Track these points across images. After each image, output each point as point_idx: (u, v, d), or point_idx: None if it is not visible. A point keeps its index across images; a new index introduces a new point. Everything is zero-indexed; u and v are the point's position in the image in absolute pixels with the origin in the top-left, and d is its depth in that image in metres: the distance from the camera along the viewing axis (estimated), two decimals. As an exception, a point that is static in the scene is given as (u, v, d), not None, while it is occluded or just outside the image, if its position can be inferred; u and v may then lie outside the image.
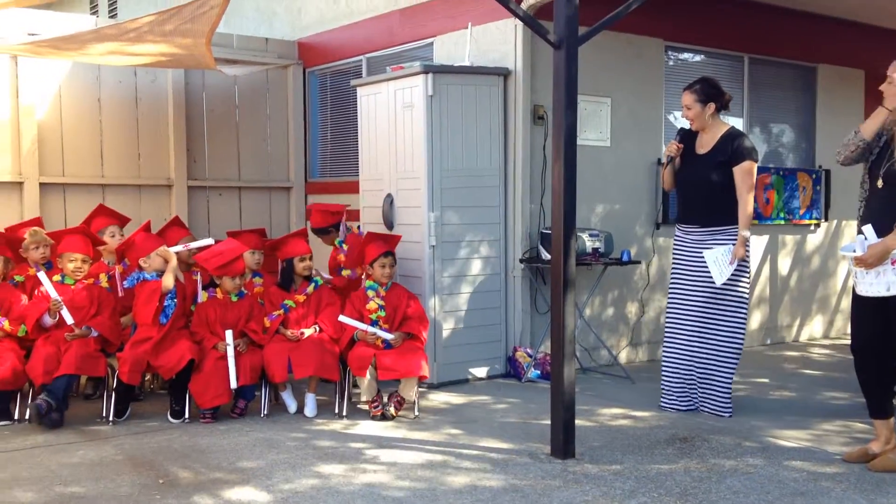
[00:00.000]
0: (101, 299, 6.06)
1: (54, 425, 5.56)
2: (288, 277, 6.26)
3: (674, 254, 6.20)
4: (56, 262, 6.19)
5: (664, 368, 6.15)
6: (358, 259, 6.28)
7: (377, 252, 6.13)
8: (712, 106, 5.94)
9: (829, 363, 8.04)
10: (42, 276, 5.85)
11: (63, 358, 5.66)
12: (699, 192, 5.94)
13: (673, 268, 6.18)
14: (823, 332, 9.48)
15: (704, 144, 6.00)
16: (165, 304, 5.88)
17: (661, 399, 6.17)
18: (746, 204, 5.78)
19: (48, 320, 5.88)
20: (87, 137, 8.28)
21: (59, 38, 7.00)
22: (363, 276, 6.40)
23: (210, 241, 6.34)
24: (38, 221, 6.77)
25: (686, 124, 6.22)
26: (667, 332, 6.15)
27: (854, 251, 4.70)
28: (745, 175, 5.81)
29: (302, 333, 6.03)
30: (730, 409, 5.94)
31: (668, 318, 6.16)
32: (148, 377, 6.54)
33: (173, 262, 5.95)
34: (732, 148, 5.86)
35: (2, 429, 5.60)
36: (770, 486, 4.53)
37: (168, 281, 5.85)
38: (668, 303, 6.18)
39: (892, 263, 4.61)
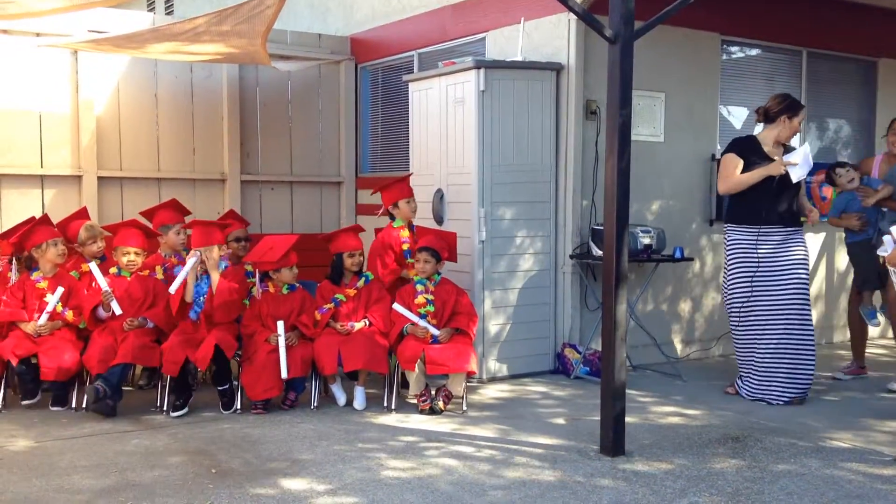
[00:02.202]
0: (155, 291, 6.17)
1: (108, 412, 5.68)
2: (338, 272, 6.30)
3: (746, 255, 6.31)
4: (110, 254, 6.32)
5: (748, 361, 6.40)
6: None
7: (419, 245, 6.22)
8: None
9: (885, 364, 7.87)
10: (93, 267, 5.97)
11: (119, 348, 5.78)
12: (788, 195, 6.28)
13: (746, 268, 6.30)
14: (880, 332, 9.26)
15: (775, 151, 6.34)
16: (195, 303, 6.01)
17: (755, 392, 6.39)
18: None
19: (102, 312, 6.01)
20: (143, 132, 8.43)
21: (119, 36, 7.13)
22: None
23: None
24: (83, 212, 6.88)
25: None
26: (750, 327, 6.35)
27: (883, 251, 4.93)
28: None
29: (352, 327, 6.08)
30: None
31: (751, 315, 6.33)
32: (201, 372, 6.63)
33: (214, 273, 5.98)
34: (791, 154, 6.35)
35: (59, 417, 5.74)
36: (825, 487, 4.46)
37: (189, 295, 5.96)
38: (751, 302, 6.32)
39: None
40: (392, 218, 6.60)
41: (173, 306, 5.98)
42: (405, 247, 6.45)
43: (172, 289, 5.93)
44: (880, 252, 5.02)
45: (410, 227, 6.57)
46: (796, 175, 6.17)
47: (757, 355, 6.31)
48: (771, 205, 6.27)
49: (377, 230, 6.95)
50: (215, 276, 5.95)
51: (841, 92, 8.91)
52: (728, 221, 6.46)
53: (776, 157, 6.25)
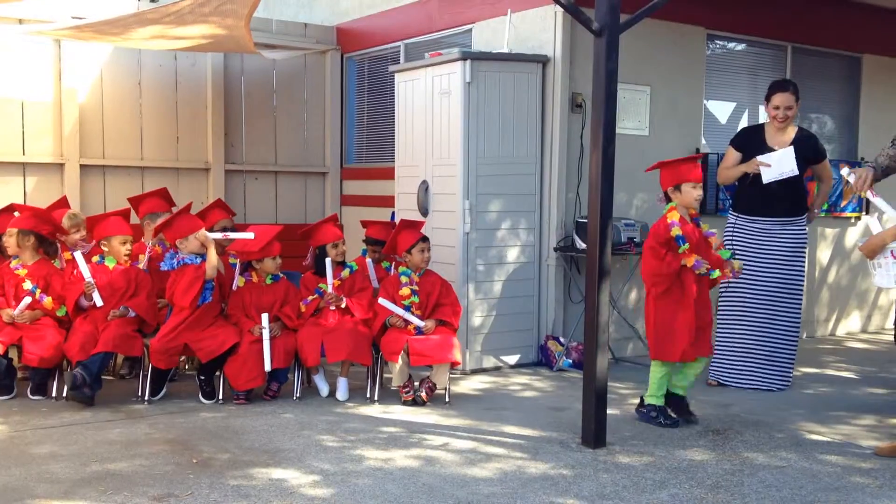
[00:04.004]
0: (138, 281, 6.13)
1: (86, 401, 5.63)
2: (320, 263, 6.28)
3: (736, 242, 6.52)
4: (92, 242, 6.28)
5: (723, 347, 6.55)
6: (391, 247, 6.28)
7: (415, 238, 6.13)
8: (798, 104, 6.43)
9: (865, 358, 7.92)
10: (78, 257, 5.93)
11: (101, 336, 5.75)
12: (785, 186, 6.32)
13: (739, 255, 6.47)
14: (861, 326, 9.34)
15: (780, 141, 6.38)
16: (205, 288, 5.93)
17: (713, 373, 6.62)
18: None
19: (84, 302, 5.97)
20: (127, 120, 8.39)
21: (102, 22, 7.08)
22: (393, 265, 6.43)
23: (251, 235, 6.10)
24: (64, 201, 6.82)
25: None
26: (728, 313, 6.55)
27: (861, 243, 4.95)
28: (829, 169, 6.61)
29: (342, 299, 6.10)
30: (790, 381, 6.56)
31: (730, 301, 6.53)
32: (182, 358, 6.60)
33: (211, 247, 5.89)
34: (815, 147, 6.46)
35: (39, 405, 5.71)
36: (803, 480, 4.49)
37: (212, 270, 5.84)
38: (729, 288, 6.54)
39: (894, 256, 4.66)
40: (668, 202, 5.45)
41: (189, 299, 5.81)
42: (676, 231, 5.26)
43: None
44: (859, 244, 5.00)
45: (694, 218, 5.43)
46: (767, 176, 6.26)
47: (737, 340, 6.50)
48: (764, 195, 6.36)
49: (363, 222, 6.93)
50: (213, 269, 5.85)
51: (825, 87, 8.95)
52: (731, 208, 6.69)
53: (775, 148, 6.35)
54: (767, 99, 6.43)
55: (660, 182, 5.46)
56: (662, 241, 5.27)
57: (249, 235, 6.06)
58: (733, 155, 6.48)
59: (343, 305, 6.15)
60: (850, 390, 6.60)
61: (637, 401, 5.66)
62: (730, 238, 6.54)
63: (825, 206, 8.70)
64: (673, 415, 5.44)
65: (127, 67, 8.35)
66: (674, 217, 5.30)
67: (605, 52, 4.80)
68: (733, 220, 6.56)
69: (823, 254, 8.89)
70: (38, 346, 5.73)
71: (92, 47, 8.07)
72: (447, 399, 5.96)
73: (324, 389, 6.10)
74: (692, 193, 5.31)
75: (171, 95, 8.61)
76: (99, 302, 5.86)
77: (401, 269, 6.20)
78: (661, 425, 5.34)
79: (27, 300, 5.87)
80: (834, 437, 5.29)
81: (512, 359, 7.10)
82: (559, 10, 6.77)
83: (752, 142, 6.43)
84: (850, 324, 9.25)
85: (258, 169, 9.07)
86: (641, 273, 5.52)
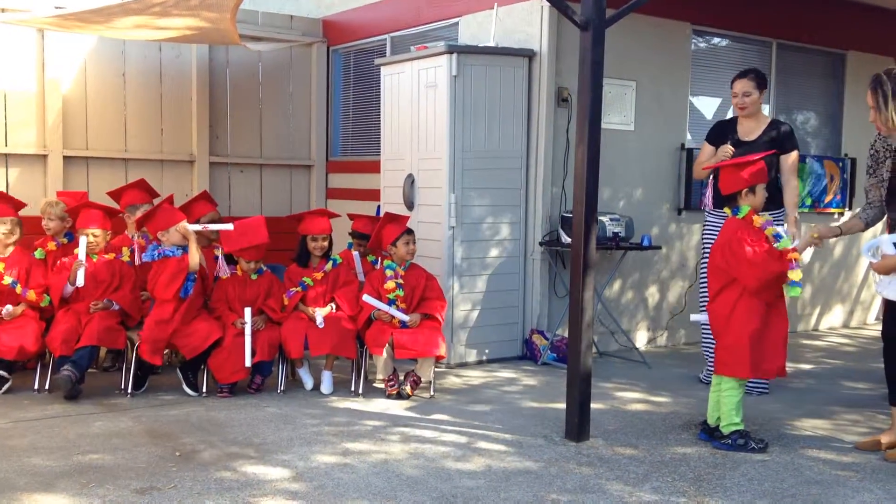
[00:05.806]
0: (121, 273, 6.10)
1: (74, 396, 5.62)
2: (305, 254, 6.26)
3: (712, 238, 6.35)
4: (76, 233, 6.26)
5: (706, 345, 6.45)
6: (376, 241, 6.27)
7: (399, 231, 6.11)
8: (763, 93, 6.26)
9: (847, 353, 7.98)
10: (82, 240, 5.92)
11: (84, 330, 5.72)
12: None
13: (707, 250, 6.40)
14: (843, 321, 9.41)
15: (750, 132, 6.23)
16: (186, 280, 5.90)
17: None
18: (796, 188, 6.12)
19: (68, 288, 5.92)
20: (111, 111, 8.33)
21: (86, 11, 7.02)
22: (379, 259, 6.42)
23: (230, 226, 6.05)
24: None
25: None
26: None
27: (871, 256, 4.82)
28: (794, 163, 6.14)
29: (315, 312, 6.02)
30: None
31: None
32: (167, 351, 6.57)
33: (193, 240, 5.87)
34: (782, 137, 6.14)
35: (21, 398, 5.66)
36: (785, 473, 4.52)
37: (194, 263, 5.82)
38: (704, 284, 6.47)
39: None
40: (736, 209, 5.02)
41: (172, 291, 5.78)
42: (773, 230, 4.95)
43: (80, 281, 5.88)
44: (868, 256, 4.94)
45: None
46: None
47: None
48: None
49: (350, 215, 6.91)
50: (195, 260, 5.83)
51: (809, 84, 8.99)
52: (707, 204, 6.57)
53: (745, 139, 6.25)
54: (731, 84, 6.30)
55: (724, 185, 5.03)
56: (769, 243, 4.88)
57: (228, 226, 6.03)
58: (707, 150, 6.38)
59: (319, 318, 6.04)
60: (831, 385, 6.65)
61: (625, 394, 5.65)
62: (711, 235, 6.48)
63: (808, 202, 8.75)
64: (761, 436, 5.01)
65: (111, 58, 8.29)
66: (759, 218, 4.95)
67: (590, 46, 4.80)
68: (710, 218, 6.44)
69: (806, 249, 8.91)
70: (16, 338, 5.68)
71: (76, 38, 8.01)
72: (431, 393, 5.96)
73: (308, 383, 6.09)
74: (763, 194, 5.03)
75: (156, 87, 8.56)
76: (80, 281, 5.81)
77: (386, 262, 6.19)
78: (756, 451, 4.83)
79: (25, 297, 5.85)
80: (816, 432, 5.32)
81: (496, 353, 7.11)
82: (545, 4, 6.77)
83: (724, 134, 6.31)
84: (833, 319, 9.31)
85: (243, 161, 9.04)
86: (751, 289, 4.81)
